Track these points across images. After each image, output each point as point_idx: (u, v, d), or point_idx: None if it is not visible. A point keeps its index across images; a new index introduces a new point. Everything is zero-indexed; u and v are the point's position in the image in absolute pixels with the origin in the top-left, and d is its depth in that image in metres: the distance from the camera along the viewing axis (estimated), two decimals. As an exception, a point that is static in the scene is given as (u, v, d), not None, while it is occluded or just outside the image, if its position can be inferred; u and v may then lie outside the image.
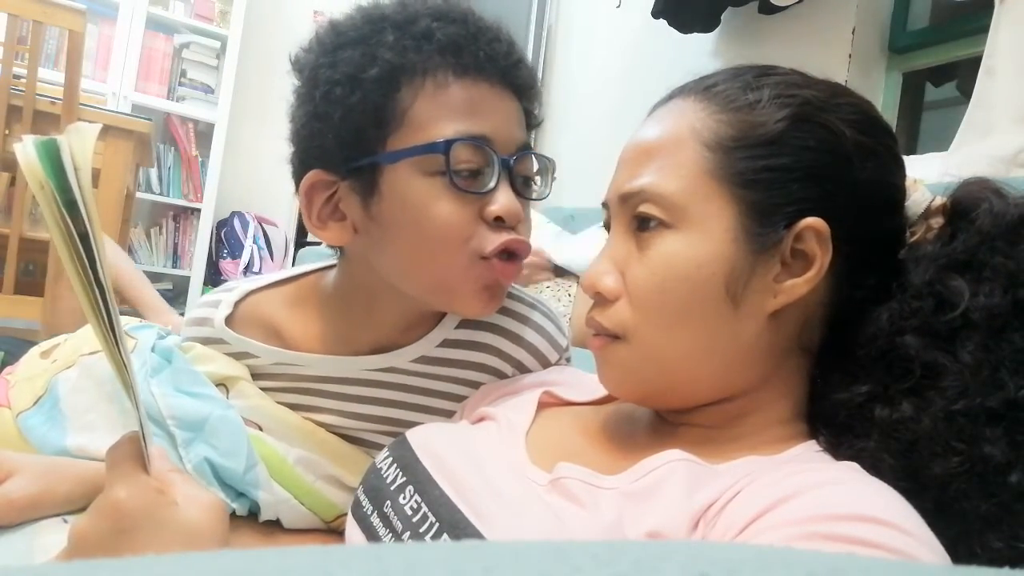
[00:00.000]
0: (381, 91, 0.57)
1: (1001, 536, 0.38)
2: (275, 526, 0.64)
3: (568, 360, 0.74)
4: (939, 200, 0.49)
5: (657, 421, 0.52)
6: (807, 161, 0.44)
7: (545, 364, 0.71)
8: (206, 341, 0.69)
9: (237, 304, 0.69)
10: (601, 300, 0.49)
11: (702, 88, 0.49)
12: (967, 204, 0.47)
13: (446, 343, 0.67)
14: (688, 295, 0.45)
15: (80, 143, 0.35)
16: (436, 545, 0.40)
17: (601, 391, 0.59)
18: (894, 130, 0.51)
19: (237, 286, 0.70)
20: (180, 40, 3.46)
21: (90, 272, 0.37)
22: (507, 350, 0.69)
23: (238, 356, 0.68)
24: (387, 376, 0.67)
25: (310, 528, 0.66)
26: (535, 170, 0.64)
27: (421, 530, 0.44)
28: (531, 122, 0.65)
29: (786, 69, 0.49)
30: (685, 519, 0.39)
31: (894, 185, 0.48)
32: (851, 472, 0.40)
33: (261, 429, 0.66)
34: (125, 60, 3.27)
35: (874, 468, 0.41)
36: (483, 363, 0.69)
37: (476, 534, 0.41)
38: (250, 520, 0.63)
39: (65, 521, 0.54)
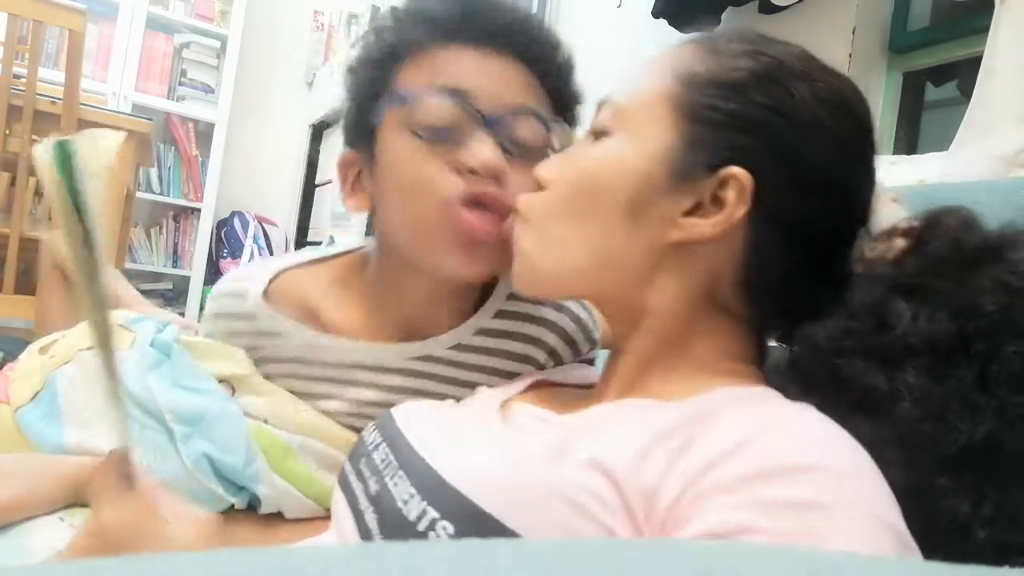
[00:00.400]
0: (377, 68, 0.62)
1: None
2: (276, 517, 0.64)
3: (593, 358, 0.75)
4: (908, 222, 0.48)
5: (612, 361, 0.52)
6: (756, 115, 0.44)
7: (578, 353, 0.71)
8: (231, 316, 0.67)
9: (271, 281, 0.67)
10: (535, 187, 0.53)
11: (701, 38, 0.51)
12: (931, 229, 0.46)
13: (482, 331, 0.67)
14: (596, 187, 0.47)
15: (94, 150, 0.35)
16: (436, 545, 0.40)
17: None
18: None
19: (266, 264, 0.69)
20: (180, 40, 3.46)
21: (91, 277, 0.37)
22: (544, 338, 0.69)
23: (261, 335, 0.67)
24: (421, 365, 0.67)
25: (312, 517, 0.66)
26: (547, 138, 0.62)
27: (384, 473, 0.46)
28: (559, 97, 0.66)
29: (792, 44, 0.49)
30: (632, 449, 0.38)
31: (847, 177, 0.46)
32: (803, 411, 0.40)
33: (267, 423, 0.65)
34: (125, 60, 3.27)
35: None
36: (519, 352, 0.68)
37: (424, 465, 0.43)
38: (250, 512, 0.63)
39: (62, 519, 0.54)
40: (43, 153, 0.34)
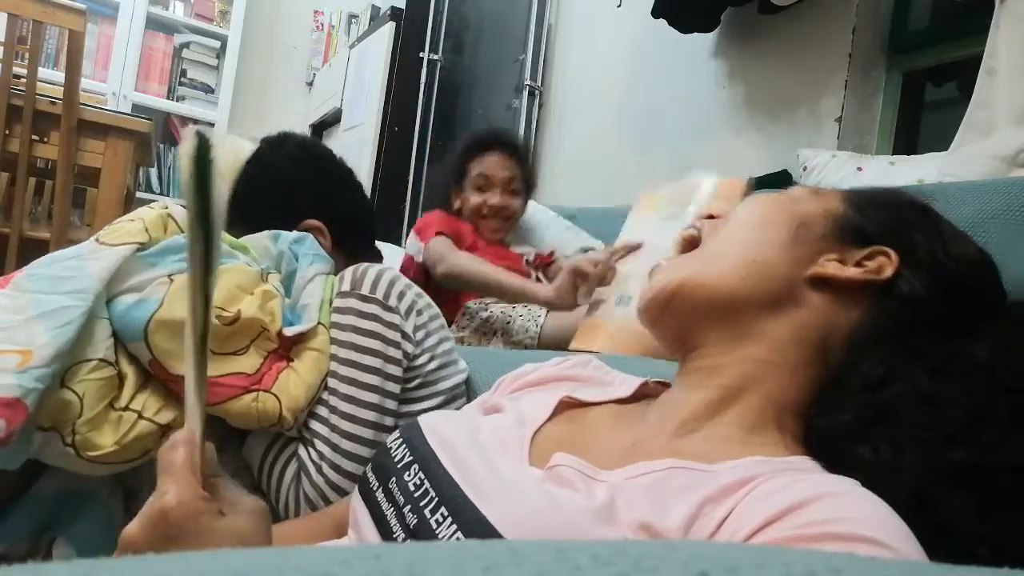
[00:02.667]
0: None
1: None
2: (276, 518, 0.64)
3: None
4: None
5: (661, 421, 0.52)
6: (912, 220, 0.53)
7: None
8: None
9: None
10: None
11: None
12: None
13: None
14: (774, 211, 0.55)
15: (231, 154, 0.39)
16: (436, 545, 0.40)
17: (623, 390, 0.59)
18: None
19: None
20: (180, 40, 3.46)
21: (204, 284, 0.40)
22: None
23: None
24: None
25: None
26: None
27: (421, 504, 0.46)
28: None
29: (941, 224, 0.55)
30: (679, 516, 0.40)
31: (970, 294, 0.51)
32: (848, 484, 0.41)
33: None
34: (125, 60, 3.27)
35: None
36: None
37: (473, 508, 0.43)
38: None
39: None
40: (188, 148, 0.37)
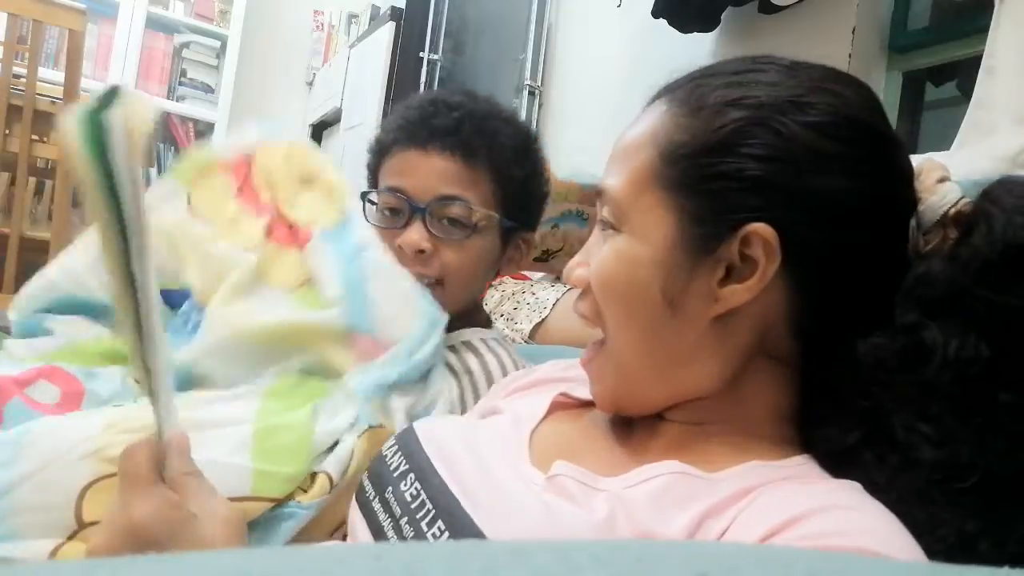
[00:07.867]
0: (372, 161, 0.84)
1: None
2: None
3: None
4: (960, 205, 0.44)
5: (655, 422, 0.52)
6: (752, 169, 0.43)
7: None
8: None
9: None
10: (581, 289, 0.52)
11: (675, 87, 0.49)
12: (981, 217, 0.42)
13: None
14: (627, 294, 0.46)
15: (133, 117, 0.31)
16: (435, 545, 0.40)
17: None
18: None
19: None
20: (180, 40, 3.46)
21: (125, 264, 0.33)
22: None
23: None
24: None
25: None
26: (456, 214, 0.76)
27: (418, 516, 0.45)
28: (501, 183, 0.78)
29: (771, 65, 0.47)
30: (679, 528, 0.39)
31: (869, 191, 0.44)
32: (852, 493, 0.40)
33: None
34: (125, 60, 3.26)
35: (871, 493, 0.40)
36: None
37: (470, 523, 0.42)
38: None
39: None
40: (73, 127, 0.30)
